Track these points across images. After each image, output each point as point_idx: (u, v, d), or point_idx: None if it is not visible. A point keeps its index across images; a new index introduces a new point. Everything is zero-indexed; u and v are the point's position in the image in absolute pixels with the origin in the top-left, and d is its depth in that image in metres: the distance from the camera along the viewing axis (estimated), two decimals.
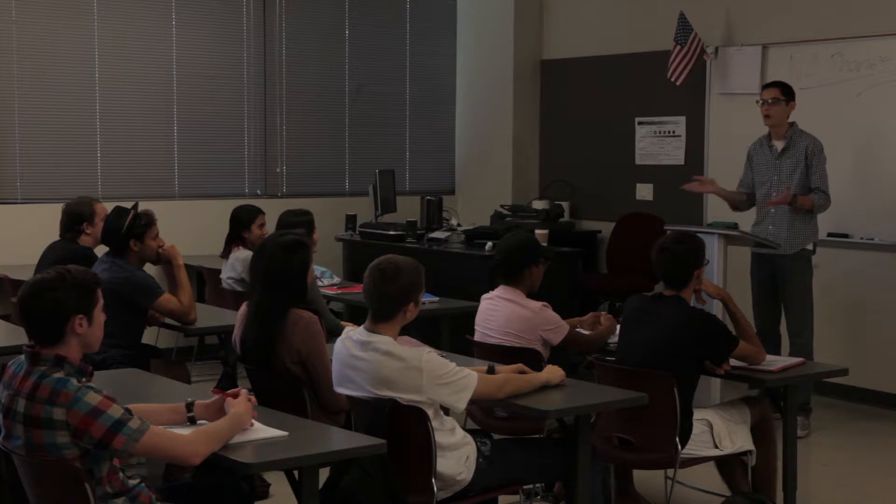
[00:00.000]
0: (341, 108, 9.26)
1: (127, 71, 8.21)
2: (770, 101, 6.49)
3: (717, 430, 4.60)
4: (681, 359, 4.47)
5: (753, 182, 6.68)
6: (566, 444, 4.20)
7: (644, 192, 8.62)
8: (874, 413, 7.03)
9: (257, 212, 6.77)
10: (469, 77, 9.70)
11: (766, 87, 6.63)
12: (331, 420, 4.28)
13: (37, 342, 3.20)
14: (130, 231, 5.32)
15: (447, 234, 8.07)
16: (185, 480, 4.24)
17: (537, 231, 6.93)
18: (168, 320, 5.57)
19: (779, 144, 6.55)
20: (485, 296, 5.20)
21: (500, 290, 5.09)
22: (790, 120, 6.54)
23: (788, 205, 6.37)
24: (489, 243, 7.64)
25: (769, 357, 4.77)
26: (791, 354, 6.34)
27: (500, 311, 5.04)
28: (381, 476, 3.70)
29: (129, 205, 5.47)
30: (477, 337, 5.16)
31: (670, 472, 4.65)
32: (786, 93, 6.50)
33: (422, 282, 3.90)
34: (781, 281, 6.58)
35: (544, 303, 5.04)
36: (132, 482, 3.28)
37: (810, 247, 6.57)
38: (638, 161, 8.65)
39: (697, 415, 4.58)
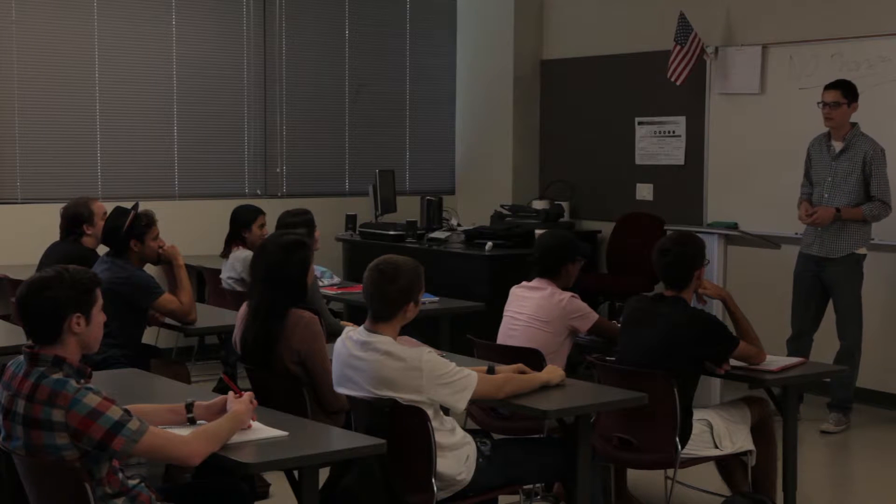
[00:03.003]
0: (341, 108, 9.25)
1: (127, 71, 8.21)
2: (831, 104, 6.37)
3: (717, 430, 4.60)
4: (681, 359, 4.47)
5: (812, 182, 6.61)
6: (566, 444, 4.20)
7: (644, 192, 8.62)
8: (875, 413, 7.02)
9: (258, 212, 6.77)
10: (469, 77, 9.70)
11: (827, 88, 6.45)
12: (331, 420, 4.28)
13: (35, 341, 3.20)
14: (131, 231, 5.32)
15: (447, 234, 8.08)
16: (185, 480, 4.24)
17: (537, 231, 6.94)
18: (168, 320, 5.57)
19: (837, 145, 6.45)
20: (517, 285, 5.29)
21: (536, 282, 5.20)
22: (852, 120, 6.46)
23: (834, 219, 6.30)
24: (489, 243, 7.65)
25: (769, 357, 4.77)
26: (837, 356, 6.36)
27: (532, 299, 5.14)
28: (381, 476, 3.70)
29: (129, 205, 5.47)
30: (504, 322, 5.24)
31: (670, 472, 4.65)
32: (847, 94, 6.36)
33: (421, 282, 3.90)
34: (829, 285, 6.54)
35: (573, 293, 5.14)
36: (132, 482, 3.28)
37: (862, 251, 6.49)
38: (638, 161, 8.64)
39: (697, 415, 4.58)
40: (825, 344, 6.63)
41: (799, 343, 6.55)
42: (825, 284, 6.57)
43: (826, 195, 6.46)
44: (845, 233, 6.43)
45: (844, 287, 6.50)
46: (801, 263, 6.65)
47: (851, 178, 6.38)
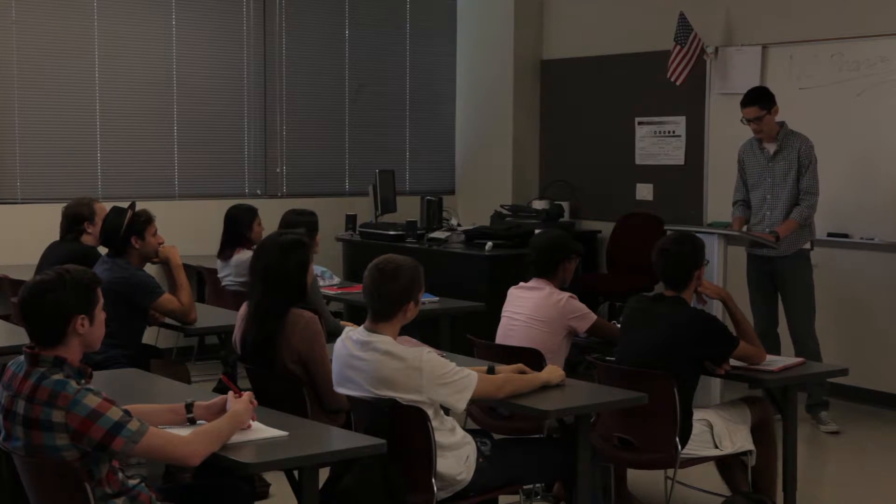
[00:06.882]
0: (341, 108, 9.26)
1: (127, 71, 8.21)
2: (753, 119, 6.42)
3: (717, 431, 4.60)
4: (681, 359, 4.47)
5: (747, 186, 6.66)
6: (566, 444, 4.20)
7: (644, 192, 8.62)
8: (874, 413, 7.03)
9: (255, 210, 6.77)
10: (469, 77, 9.70)
11: (743, 105, 6.48)
12: (331, 420, 4.28)
13: (38, 343, 3.20)
14: (132, 228, 5.32)
15: (447, 234, 8.07)
16: (185, 480, 4.24)
17: (536, 231, 6.93)
18: (168, 320, 5.57)
19: (771, 147, 6.50)
20: (514, 286, 5.30)
21: (533, 282, 5.21)
22: (779, 120, 6.49)
23: (777, 238, 6.34)
24: (489, 243, 7.64)
25: (769, 357, 4.77)
26: (799, 352, 6.35)
27: (530, 299, 5.15)
28: (381, 476, 3.70)
29: (125, 205, 5.47)
30: (502, 323, 5.24)
31: (670, 472, 4.65)
32: (764, 105, 6.40)
33: (421, 281, 3.90)
34: (783, 282, 6.58)
35: (571, 293, 5.14)
36: (132, 482, 3.28)
37: (808, 246, 6.57)
38: (638, 161, 8.64)
39: (697, 415, 4.58)
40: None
41: (769, 341, 6.52)
42: (775, 281, 6.61)
43: (768, 196, 6.50)
44: (795, 231, 6.46)
45: (799, 283, 6.55)
46: (753, 264, 6.68)
47: (790, 177, 6.43)
